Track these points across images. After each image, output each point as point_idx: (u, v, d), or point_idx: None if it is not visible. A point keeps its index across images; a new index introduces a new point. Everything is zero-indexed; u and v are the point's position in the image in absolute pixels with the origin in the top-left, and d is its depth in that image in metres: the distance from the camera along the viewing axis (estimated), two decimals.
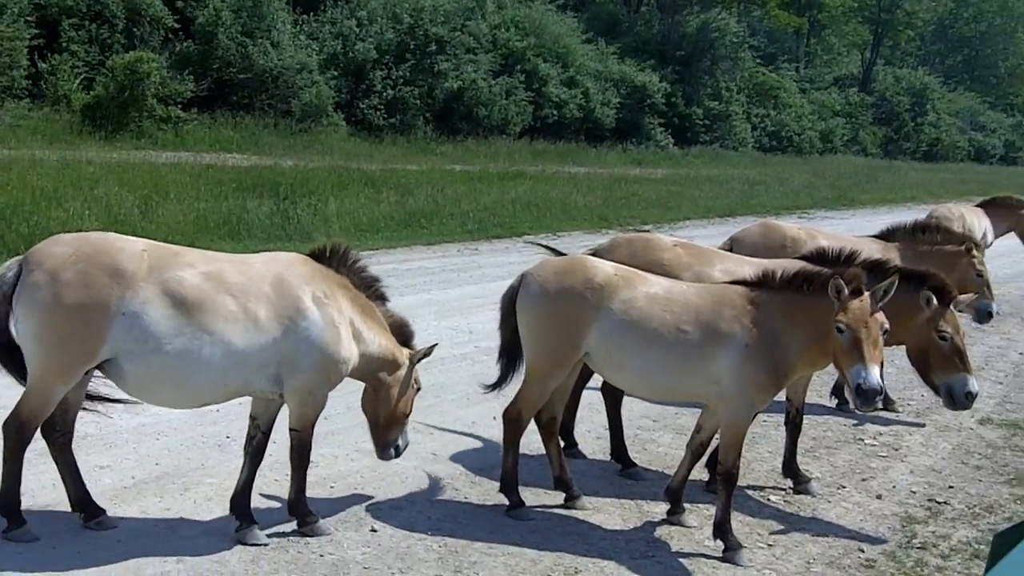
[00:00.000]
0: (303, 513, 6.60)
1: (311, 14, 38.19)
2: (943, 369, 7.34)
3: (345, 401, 8.12)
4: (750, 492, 8.08)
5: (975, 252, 9.98)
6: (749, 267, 8.18)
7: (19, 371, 6.13)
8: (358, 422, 7.57)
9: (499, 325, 7.48)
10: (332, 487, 7.45)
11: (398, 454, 7.09)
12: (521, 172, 31.91)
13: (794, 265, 7.53)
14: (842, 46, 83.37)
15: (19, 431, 5.99)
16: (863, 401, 6.22)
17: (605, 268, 7.03)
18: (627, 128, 48.03)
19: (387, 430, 6.97)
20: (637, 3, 59.11)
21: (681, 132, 51.59)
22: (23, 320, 5.89)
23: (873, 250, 9.46)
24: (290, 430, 6.55)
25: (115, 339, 5.87)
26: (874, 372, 6.20)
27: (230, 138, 31.38)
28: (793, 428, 8.30)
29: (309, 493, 6.76)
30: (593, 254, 8.20)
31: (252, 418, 6.62)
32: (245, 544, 6.33)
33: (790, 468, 8.27)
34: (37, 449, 6.40)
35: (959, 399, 7.32)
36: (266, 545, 6.36)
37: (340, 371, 6.50)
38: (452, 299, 14.64)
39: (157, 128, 29.78)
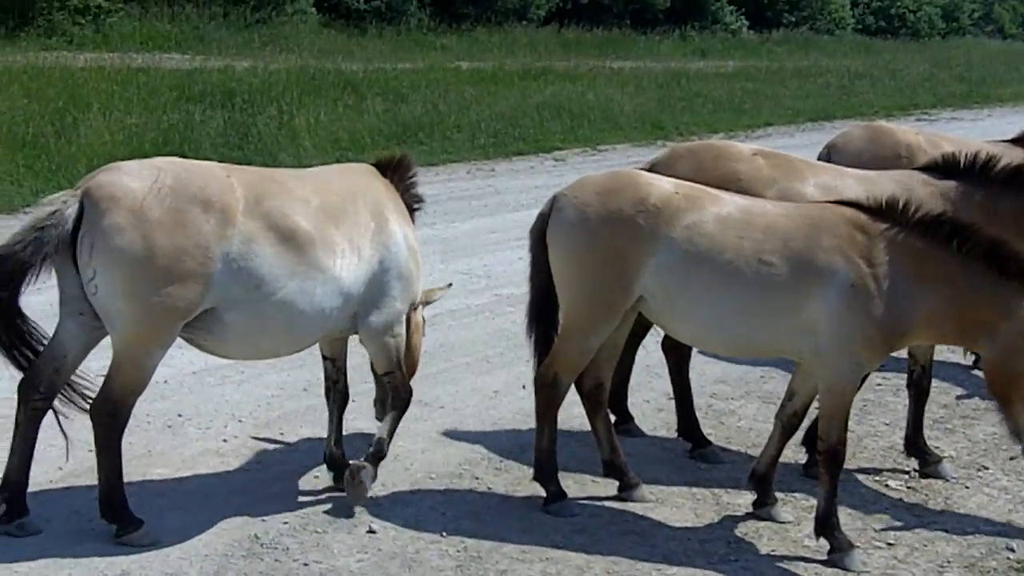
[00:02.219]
0: (380, 456, 7.12)
1: None
2: None
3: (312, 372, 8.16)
4: (862, 476, 8.10)
5: None
6: (853, 182, 8.12)
7: (12, 341, 6.36)
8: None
9: (529, 269, 7.45)
10: (317, 477, 7.50)
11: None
12: (548, 69, 31.82)
13: (912, 182, 7.52)
14: None
15: (114, 413, 6.34)
16: None
17: (662, 185, 6.99)
18: (686, 8, 47.72)
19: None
20: None
21: (758, 12, 51.23)
22: (105, 272, 6.16)
23: (1010, 159, 9.46)
24: (384, 375, 7.26)
25: (219, 287, 6.33)
26: None
27: (167, 34, 31.34)
28: (918, 393, 8.27)
29: (285, 484, 7.09)
30: (648, 171, 8.13)
31: (331, 360, 7.37)
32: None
33: (915, 444, 8.26)
34: None
35: None
36: None
37: (415, 298, 7.33)
38: (462, 235, 14.63)
39: (72, 23, 29.75)
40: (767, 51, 46.21)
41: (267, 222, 6.43)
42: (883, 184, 7.88)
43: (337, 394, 7.40)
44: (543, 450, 7.25)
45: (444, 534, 6.80)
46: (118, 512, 6.40)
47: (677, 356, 8.42)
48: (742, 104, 30.17)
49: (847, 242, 6.62)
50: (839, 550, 6.78)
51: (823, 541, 6.84)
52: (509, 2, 40.53)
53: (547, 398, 7.19)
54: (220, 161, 7.56)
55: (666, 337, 8.21)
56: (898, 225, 6.66)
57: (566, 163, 21.14)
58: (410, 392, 7.31)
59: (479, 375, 9.66)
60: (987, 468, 8.36)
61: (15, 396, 6.49)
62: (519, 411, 8.74)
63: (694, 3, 47.93)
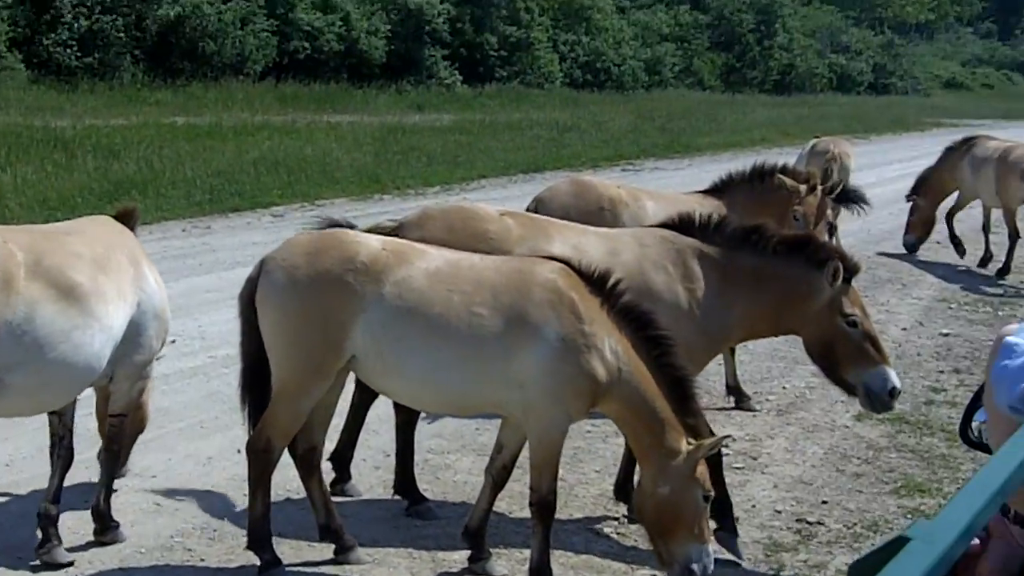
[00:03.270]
0: (107, 519, 7.36)
1: None
2: (855, 363, 7.60)
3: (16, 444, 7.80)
4: (574, 524, 8.14)
5: (800, 191, 10.80)
6: (596, 239, 8.22)
7: None
8: (42, 471, 7.33)
9: (240, 333, 7.27)
10: (20, 558, 7.13)
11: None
12: (265, 124, 31.56)
13: (651, 240, 7.95)
14: None
15: None
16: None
17: (370, 243, 6.96)
18: (402, 63, 47.92)
19: (131, 445, 8.01)
20: None
21: (471, 66, 51.78)
22: None
23: (706, 208, 10.03)
24: (113, 416, 7.37)
25: (1, 354, 6.38)
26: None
27: None
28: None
29: None
30: (394, 232, 8.07)
31: (59, 414, 7.20)
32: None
33: (624, 490, 8.35)
34: None
35: (880, 398, 7.62)
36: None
37: (166, 336, 7.64)
38: (176, 295, 14.13)
39: None
40: (480, 104, 46.75)
41: (48, 280, 6.56)
42: (624, 242, 8.04)
43: (63, 450, 7.21)
44: (256, 517, 7.07)
45: None
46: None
47: (407, 412, 8.32)
48: (457, 157, 30.35)
49: (556, 296, 6.66)
50: None
51: None
52: (225, 57, 39.96)
53: (260, 464, 7.01)
54: None
55: None
56: (606, 299, 6.76)
57: (284, 219, 20.86)
58: (125, 442, 7.66)
59: (193, 441, 9.39)
60: None
61: None
62: (234, 476, 8.48)
63: (409, 58, 48.17)
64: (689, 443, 6.64)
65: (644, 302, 7.32)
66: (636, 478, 7.51)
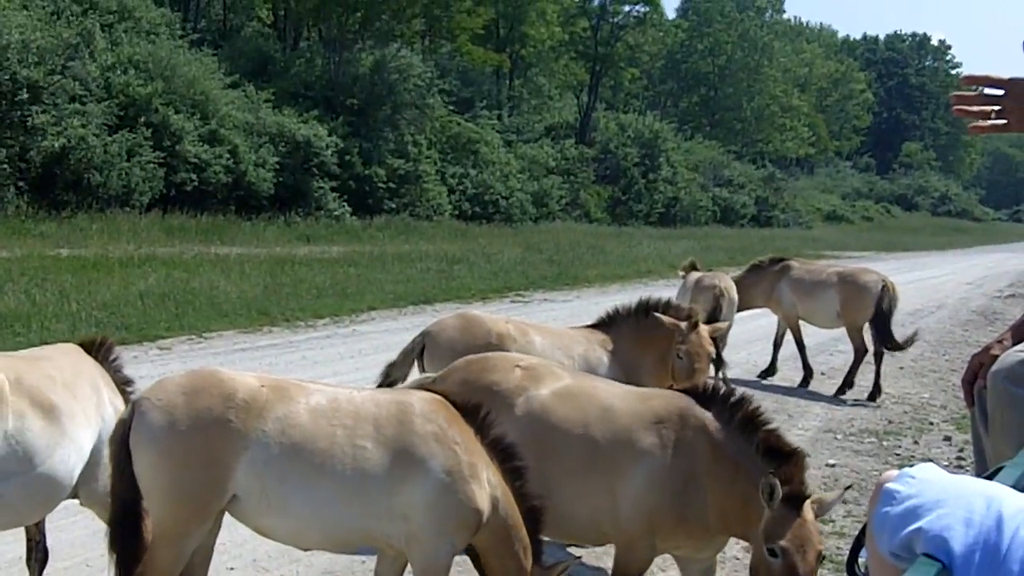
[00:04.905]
0: None
1: None
2: None
3: None
4: None
5: (682, 329, 10.75)
6: (608, 388, 8.10)
7: None
8: None
9: (112, 476, 7.07)
10: None
11: None
12: (152, 256, 31.34)
13: (678, 406, 7.54)
14: (553, 88, 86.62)
15: None
16: None
17: (247, 381, 6.86)
18: (290, 195, 48.00)
19: None
20: (294, 38, 59.45)
21: (360, 199, 52.00)
22: None
23: (592, 343, 10.13)
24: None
25: None
26: None
27: None
28: None
29: None
30: (422, 387, 7.95)
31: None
32: None
33: None
34: None
35: None
36: None
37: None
38: None
39: None
40: (369, 236, 46.87)
41: (31, 399, 6.90)
42: (626, 396, 7.82)
43: (40, 552, 7.83)
44: None
45: None
46: None
47: None
48: (346, 289, 30.28)
49: (440, 429, 6.66)
50: None
51: None
52: (111, 189, 39.70)
53: None
54: None
55: None
56: (478, 430, 6.84)
57: (171, 352, 20.59)
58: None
59: None
60: None
61: None
62: None
63: (297, 190, 48.25)
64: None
65: (623, 459, 7.30)
66: None
